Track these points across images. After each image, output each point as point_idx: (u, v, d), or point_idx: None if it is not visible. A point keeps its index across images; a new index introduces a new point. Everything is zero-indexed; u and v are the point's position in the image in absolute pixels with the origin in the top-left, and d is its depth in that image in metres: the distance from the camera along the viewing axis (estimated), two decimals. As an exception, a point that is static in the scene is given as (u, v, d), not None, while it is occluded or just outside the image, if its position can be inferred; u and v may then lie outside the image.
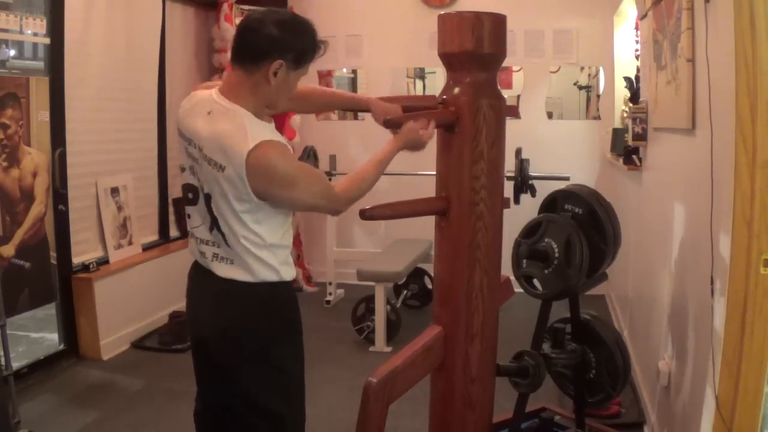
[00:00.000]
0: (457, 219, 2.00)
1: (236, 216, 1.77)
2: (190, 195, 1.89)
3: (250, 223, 1.78)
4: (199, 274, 1.93)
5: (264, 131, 1.75)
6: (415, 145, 1.97)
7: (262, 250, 1.81)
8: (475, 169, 1.97)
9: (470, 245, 1.99)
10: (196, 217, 1.89)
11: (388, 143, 1.97)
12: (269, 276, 1.83)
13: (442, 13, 1.99)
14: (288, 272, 1.88)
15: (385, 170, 1.95)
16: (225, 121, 1.75)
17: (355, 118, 5.67)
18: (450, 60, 2.00)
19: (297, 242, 5.43)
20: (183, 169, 1.90)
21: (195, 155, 1.82)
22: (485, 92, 1.97)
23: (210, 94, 1.83)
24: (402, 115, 1.99)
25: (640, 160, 3.58)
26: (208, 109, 1.80)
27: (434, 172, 2.09)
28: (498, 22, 1.96)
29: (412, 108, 2.00)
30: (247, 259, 1.81)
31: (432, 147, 2.06)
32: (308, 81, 5.64)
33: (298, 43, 1.78)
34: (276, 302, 1.87)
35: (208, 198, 1.82)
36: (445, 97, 2.01)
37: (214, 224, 1.83)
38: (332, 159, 4.97)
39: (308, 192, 1.82)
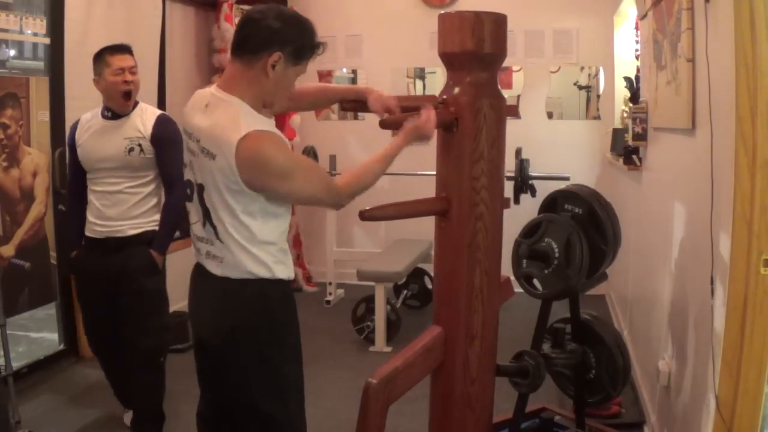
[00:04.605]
0: (457, 219, 1.99)
1: (228, 208, 1.76)
2: (188, 191, 1.89)
3: (242, 216, 1.76)
4: (198, 274, 1.93)
5: (258, 122, 1.75)
6: (421, 137, 1.95)
7: (253, 246, 1.79)
8: (475, 169, 1.96)
9: (470, 246, 1.99)
10: (193, 214, 1.89)
11: (394, 139, 1.96)
12: (261, 272, 1.81)
13: (443, 12, 1.99)
14: (282, 271, 1.86)
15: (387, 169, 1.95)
16: (220, 112, 1.76)
17: (355, 118, 5.67)
18: (450, 60, 2.00)
19: (297, 242, 5.42)
20: (185, 166, 1.90)
21: (194, 149, 1.82)
22: (486, 92, 1.97)
23: (209, 89, 1.86)
24: (399, 115, 1.99)
25: (640, 160, 3.58)
26: (206, 102, 1.81)
27: (434, 173, 2.09)
28: (498, 21, 1.96)
29: (412, 108, 2.00)
30: (237, 255, 1.79)
31: (432, 147, 2.06)
32: (308, 81, 5.67)
33: (298, 36, 1.78)
34: (268, 302, 1.84)
35: (201, 189, 1.81)
36: (445, 96, 2.01)
37: (207, 218, 1.81)
38: (332, 159, 4.97)
39: (306, 183, 1.81)
